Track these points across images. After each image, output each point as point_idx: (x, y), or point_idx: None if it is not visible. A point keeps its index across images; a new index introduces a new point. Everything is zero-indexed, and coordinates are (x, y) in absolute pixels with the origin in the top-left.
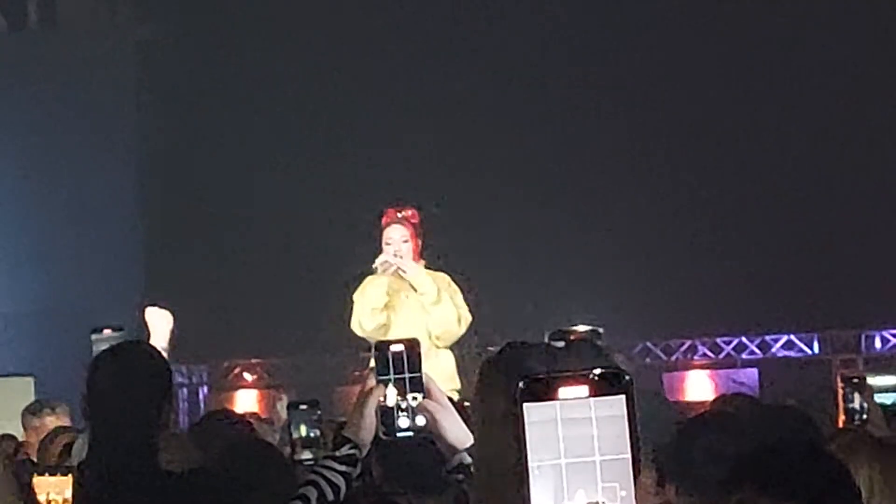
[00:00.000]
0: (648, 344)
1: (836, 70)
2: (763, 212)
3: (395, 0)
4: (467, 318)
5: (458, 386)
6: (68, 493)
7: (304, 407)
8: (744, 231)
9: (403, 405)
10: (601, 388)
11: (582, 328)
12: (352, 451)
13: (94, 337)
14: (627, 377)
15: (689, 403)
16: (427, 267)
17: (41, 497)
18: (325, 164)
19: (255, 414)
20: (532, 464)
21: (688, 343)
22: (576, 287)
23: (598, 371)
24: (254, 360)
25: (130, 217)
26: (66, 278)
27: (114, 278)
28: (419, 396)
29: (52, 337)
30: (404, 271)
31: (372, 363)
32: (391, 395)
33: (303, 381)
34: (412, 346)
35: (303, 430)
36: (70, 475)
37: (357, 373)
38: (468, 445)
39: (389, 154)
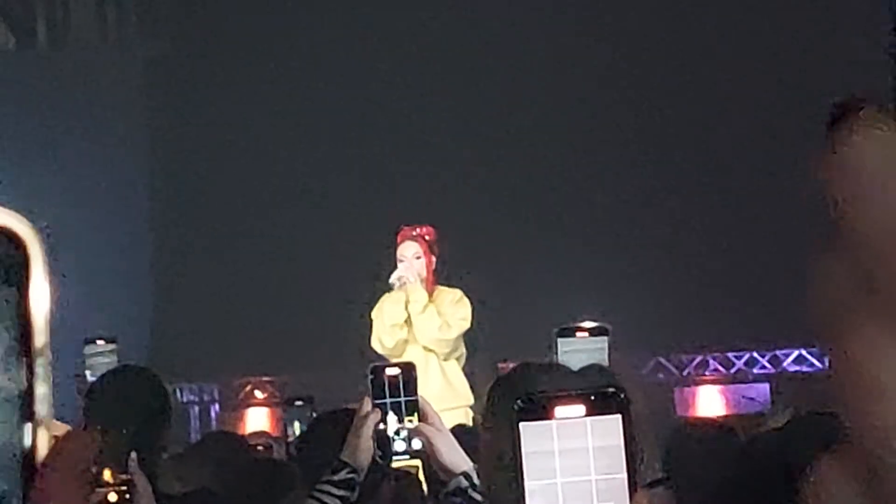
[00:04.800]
0: (660, 359)
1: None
2: (773, 225)
3: (411, 19)
4: (457, 325)
5: (472, 401)
6: None
7: (299, 403)
8: (754, 244)
9: (400, 429)
10: (598, 407)
11: (589, 324)
12: (349, 476)
13: (86, 349)
14: (624, 396)
15: (701, 419)
16: (441, 284)
17: None
18: (342, 179)
19: (265, 432)
20: (528, 483)
21: (699, 358)
22: (586, 303)
23: (594, 390)
24: (265, 378)
25: (140, 235)
26: (74, 296)
27: (123, 296)
28: (415, 420)
29: (63, 349)
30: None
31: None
32: (388, 419)
33: (315, 399)
34: (408, 369)
35: (297, 427)
36: None
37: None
38: (464, 469)
39: (409, 169)
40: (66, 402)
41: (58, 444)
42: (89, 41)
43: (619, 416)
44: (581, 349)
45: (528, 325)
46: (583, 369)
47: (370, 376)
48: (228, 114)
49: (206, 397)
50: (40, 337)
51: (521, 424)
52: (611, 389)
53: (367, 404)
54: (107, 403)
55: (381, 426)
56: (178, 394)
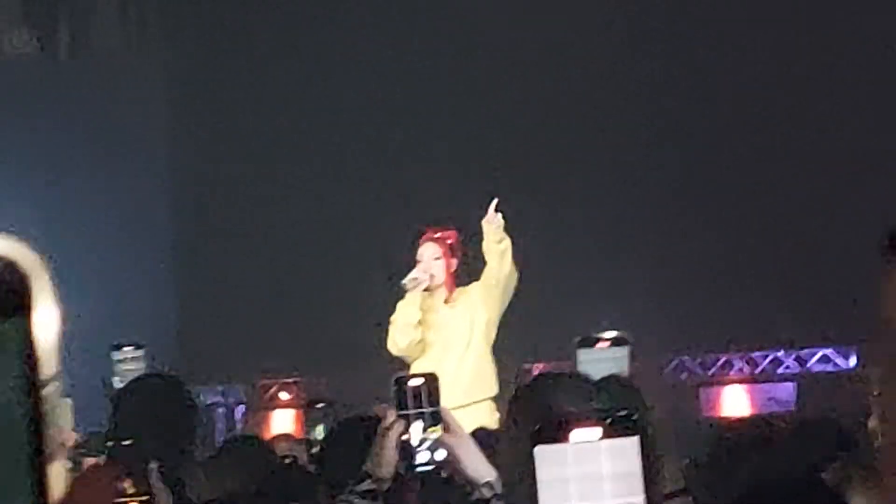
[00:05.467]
0: (684, 359)
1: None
2: (799, 224)
3: (434, 18)
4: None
5: (495, 392)
6: None
7: (320, 406)
8: (780, 244)
9: (423, 440)
10: (614, 430)
11: (609, 334)
12: (372, 486)
13: (114, 355)
14: (639, 417)
15: (726, 419)
16: (461, 285)
17: None
18: (366, 180)
19: (290, 436)
20: None
21: (724, 358)
22: (609, 303)
23: (609, 413)
24: (290, 379)
25: (164, 238)
26: (100, 301)
27: (148, 299)
28: (438, 431)
29: (91, 362)
30: (430, 287)
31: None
32: (411, 430)
33: (340, 400)
34: (431, 380)
35: (318, 430)
36: None
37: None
38: (487, 479)
39: (435, 170)
40: (95, 408)
41: (75, 486)
42: (111, 47)
43: (635, 439)
44: (601, 359)
45: (554, 325)
46: (602, 380)
47: (393, 387)
48: (250, 118)
49: (231, 399)
50: (50, 366)
51: (537, 448)
52: (626, 412)
53: (391, 415)
54: (133, 411)
55: (405, 437)
56: (204, 396)
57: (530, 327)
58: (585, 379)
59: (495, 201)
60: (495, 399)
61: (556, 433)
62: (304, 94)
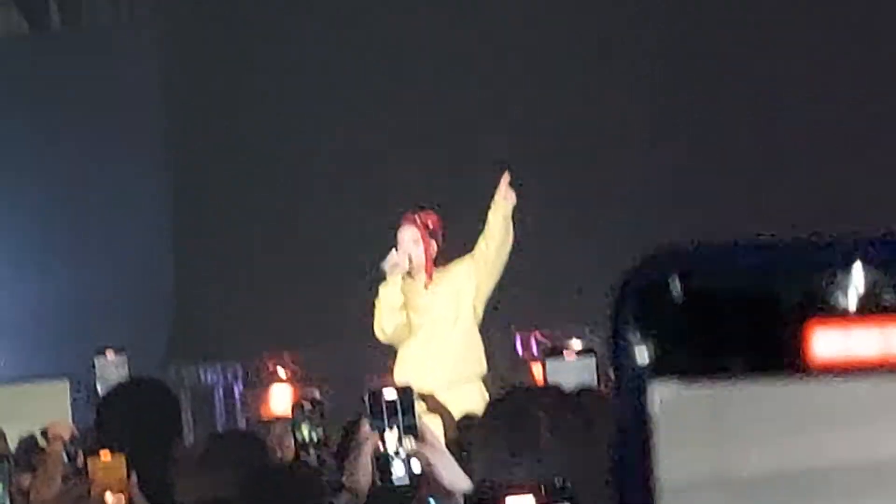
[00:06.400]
0: None
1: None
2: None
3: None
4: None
5: (484, 370)
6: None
7: (308, 407)
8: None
9: (399, 452)
10: (547, 496)
11: (576, 345)
12: (349, 499)
13: (96, 360)
14: (571, 485)
15: None
16: (440, 266)
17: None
18: (359, 156)
19: (284, 419)
20: None
21: None
22: (602, 272)
23: (543, 482)
24: (287, 355)
25: (160, 212)
26: (96, 275)
27: (145, 275)
28: (414, 442)
29: (85, 334)
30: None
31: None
32: (386, 443)
33: (337, 374)
34: (406, 392)
35: (305, 430)
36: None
37: (391, 363)
38: (464, 489)
39: (420, 152)
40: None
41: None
42: (103, 22)
43: None
44: (569, 369)
45: (543, 294)
46: (579, 392)
47: (368, 400)
48: (244, 91)
49: (229, 377)
50: None
51: None
52: (560, 479)
53: (366, 427)
54: (117, 418)
55: (381, 449)
56: (202, 375)
57: (520, 296)
58: (559, 390)
59: (507, 175)
60: (484, 379)
61: (491, 500)
62: (296, 71)
